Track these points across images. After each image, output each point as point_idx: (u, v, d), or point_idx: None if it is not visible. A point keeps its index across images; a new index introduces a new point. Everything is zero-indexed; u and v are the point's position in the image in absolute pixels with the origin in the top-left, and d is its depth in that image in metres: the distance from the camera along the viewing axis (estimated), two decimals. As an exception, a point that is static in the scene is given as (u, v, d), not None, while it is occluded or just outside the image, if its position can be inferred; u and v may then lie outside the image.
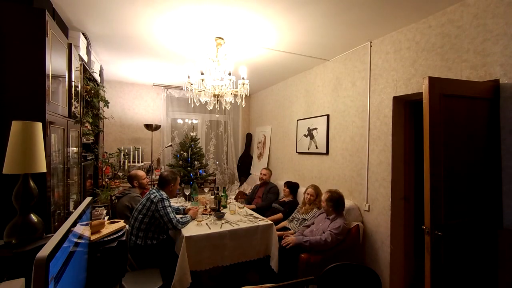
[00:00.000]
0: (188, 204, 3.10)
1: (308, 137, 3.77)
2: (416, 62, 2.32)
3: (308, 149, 3.77)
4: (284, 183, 3.70)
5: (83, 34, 2.55)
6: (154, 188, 2.54)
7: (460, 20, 2.00)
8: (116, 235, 1.50)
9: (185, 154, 4.61)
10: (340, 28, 2.50)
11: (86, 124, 2.69)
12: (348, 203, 2.83)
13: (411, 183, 2.68)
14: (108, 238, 1.45)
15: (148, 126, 4.61)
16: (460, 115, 1.72)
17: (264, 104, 5.33)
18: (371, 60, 2.78)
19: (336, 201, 2.60)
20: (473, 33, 1.92)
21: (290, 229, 3.01)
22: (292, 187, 3.62)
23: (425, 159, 1.63)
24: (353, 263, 1.64)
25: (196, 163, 4.68)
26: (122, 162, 4.32)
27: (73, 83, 2.05)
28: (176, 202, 3.27)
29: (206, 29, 2.56)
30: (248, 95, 2.65)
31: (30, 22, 1.51)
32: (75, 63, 2.17)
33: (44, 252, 0.64)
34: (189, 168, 4.54)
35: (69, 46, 1.99)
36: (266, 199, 3.81)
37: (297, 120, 4.05)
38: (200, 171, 4.69)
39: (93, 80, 2.95)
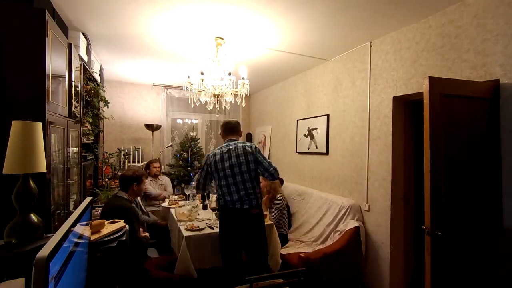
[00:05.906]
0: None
1: (308, 137, 3.77)
2: (416, 62, 2.31)
3: (308, 149, 3.76)
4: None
5: (83, 34, 2.55)
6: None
7: (460, 20, 2.00)
8: (116, 235, 1.50)
9: (185, 154, 4.61)
10: (340, 28, 2.50)
11: (86, 124, 2.69)
12: (348, 202, 2.84)
13: (411, 183, 2.67)
14: (108, 238, 1.44)
15: (149, 126, 4.61)
16: (460, 115, 1.72)
17: (264, 104, 5.33)
18: (371, 60, 2.78)
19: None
20: (473, 33, 1.92)
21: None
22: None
23: (425, 159, 1.63)
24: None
25: (196, 163, 4.68)
26: (122, 162, 4.32)
27: (73, 83, 2.06)
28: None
29: (206, 29, 2.56)
30: (248, 95, 2.65)
31: (30, 22, 1.51)
32: (75, 63, 2.17)
33: (44, 252, 0.64)
34: (189, 168, 4.54)
35: (69, 46, 1.99)
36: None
37: (297, 120, 4.05)
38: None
39: (93, 80, 2.95)
